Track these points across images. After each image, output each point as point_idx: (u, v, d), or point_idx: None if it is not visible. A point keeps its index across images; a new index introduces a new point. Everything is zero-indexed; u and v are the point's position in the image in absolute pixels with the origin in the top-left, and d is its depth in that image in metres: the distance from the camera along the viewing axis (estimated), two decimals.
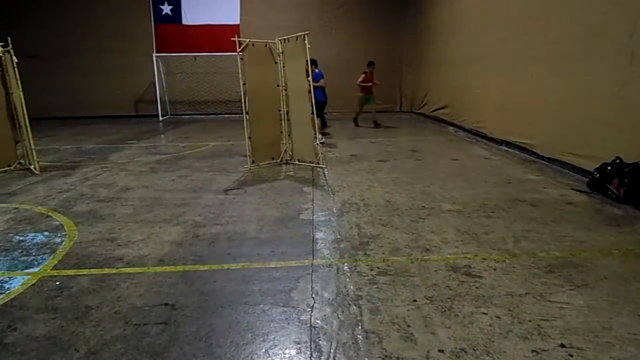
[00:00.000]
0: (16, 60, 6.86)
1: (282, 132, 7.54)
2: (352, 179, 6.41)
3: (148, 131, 12.67)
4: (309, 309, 2.87)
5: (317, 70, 9.24)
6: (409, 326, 2.65)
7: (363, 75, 11.71)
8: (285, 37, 7.05)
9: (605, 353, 2.37)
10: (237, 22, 15.20)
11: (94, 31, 15.49)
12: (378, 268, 3.46)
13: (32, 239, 4.20)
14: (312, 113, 6.90)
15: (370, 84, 11.79)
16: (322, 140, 9.76)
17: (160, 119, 15.25)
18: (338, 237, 4.15)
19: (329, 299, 3.00)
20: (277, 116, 7.41)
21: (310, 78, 6.94)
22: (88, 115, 15.62)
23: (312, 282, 3.25)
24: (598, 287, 3.10)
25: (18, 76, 6.85)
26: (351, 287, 3.16)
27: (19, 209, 5.18)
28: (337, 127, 12.11)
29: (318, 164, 7.07)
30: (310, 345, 2.49)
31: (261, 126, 7.18)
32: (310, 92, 6.88)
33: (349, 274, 3.37)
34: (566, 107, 6.58)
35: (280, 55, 7.16)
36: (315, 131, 7.10)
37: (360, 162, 7.65)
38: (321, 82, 9.31)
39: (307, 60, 6.68)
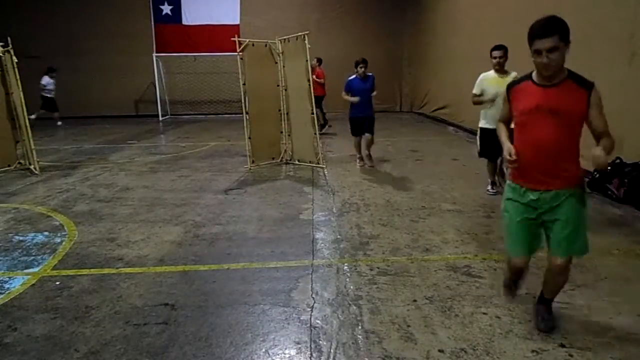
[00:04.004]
0: (16, 60, 6.86)
1: (282, 132, 7.54)
2: (352, 179, 6.41)
3: (148, 131, 12.67)
4: (309, 309, 2.87)
5: (370, 74, 6.85)
6: (409, 326, 2.65)
7: (514, 78, 3.67)
8: (285, 37, 7.05)
9: (605, 353, 2.37)
10: (237, 22, 15.20)
11: (94, 31, 15.49)
12: (378, 268, 3.45)
13: (32, 239, 4.20)
14: (312, 113, 6.90)
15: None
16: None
17: (160, 119, 15.25)
18: (338, 237, 4.14)
19: (329, 299, 3.00)
20: (277, 116, 7.41)
21: (312, 76, 6.95)
22: (88, 115, 15.61)
23: (312, 282, 3.25)
24: (598, 287, 3.09)
25: (18, 76, 6.85)
26: (351, 287, 3.16)
27: (19, 209, 5.17)
28: (337, 128, 12.10)
29: (318, 164, 7.06)
30: (310, 345, 2.49)
31: (261, 126, 7.18)
32: (310, 92, 6.87)
33: (349, 274, 3.37)
34: None
35: (280, 55, 7.16)
36: (316, 131, 7.08)
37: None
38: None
39: (307, 60, 6.68)
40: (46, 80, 13.46)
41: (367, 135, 6.97)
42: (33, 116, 13.66)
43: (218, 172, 6.99)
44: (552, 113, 2.31)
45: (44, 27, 15.34)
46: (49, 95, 13.54)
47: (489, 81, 5.01)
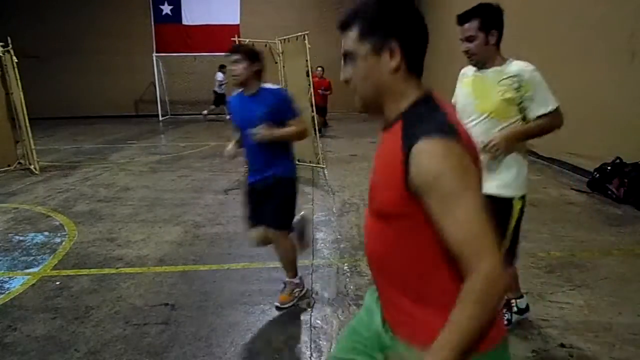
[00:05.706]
0: (16, 60, 6.87)
1: None
2: (352, 179, 6.41)
3: (148, 131, 12.67)
4: (309, 309, 2.87)
5: (273, 86, 3.27)
6: None
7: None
8: (285, 37, 7.05)
9: (605, 353, 2.37)
10: (237, 22, 15.19)
11: (94, 31, 15.48)
12: None
13: (32, 239, 4.20)
14: (312, 113, 6.90)
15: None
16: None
17: (160, 119, 15.24)
18: (338, 237, 4.14)
19: (329, 299, 3.00)
20: None
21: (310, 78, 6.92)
22: (88, 115, 15.60)
23: (312, 282, 3.25)
24: (598, 287, 3.09)
25: (18, 76, 6.85)
26: (351, 287, 3.16)
27: (19, 209, 5.17)
28: (337, 127, 12.11)
29: (318, 164, 7.06)
30: (310, 345, 2.49)
31: None
32: (310, 92, 6.87)
33: (349, 274, 3.37)
34: (566, 107, 6.51)
35: (280, 55, 7.16)
36: (316, 131, 7.07)
37: (360, 162, 7.65)
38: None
39: (307, 60, 6.68)
40: (220, 76, 13.85)
41: (258, 228, 2.98)
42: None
43: (218, 172, 6.99)
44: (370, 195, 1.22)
45: (44, 27, 15.33)
46: (220, 92, 14.08)
47: (463, 84, 2.53)
